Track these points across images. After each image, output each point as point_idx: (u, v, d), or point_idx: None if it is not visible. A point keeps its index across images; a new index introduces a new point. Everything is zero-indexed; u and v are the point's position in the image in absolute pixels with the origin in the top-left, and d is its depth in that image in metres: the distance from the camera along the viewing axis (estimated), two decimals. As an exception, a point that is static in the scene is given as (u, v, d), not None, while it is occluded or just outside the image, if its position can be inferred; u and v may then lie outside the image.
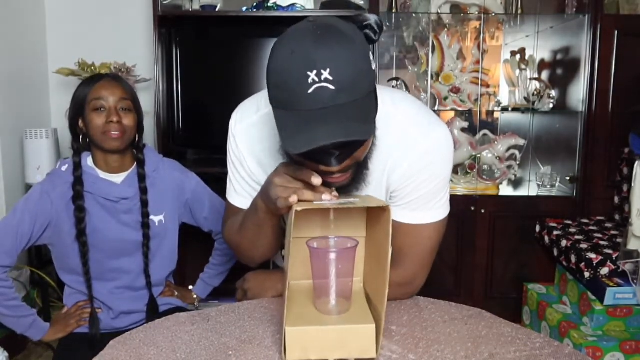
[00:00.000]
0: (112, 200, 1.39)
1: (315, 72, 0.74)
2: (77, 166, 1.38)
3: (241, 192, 1.12)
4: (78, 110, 1.38)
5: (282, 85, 0.77)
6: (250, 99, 1.11)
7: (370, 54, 0.81)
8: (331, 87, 0.75)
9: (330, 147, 0.80)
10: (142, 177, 1.43)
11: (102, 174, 1.41)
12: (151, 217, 1.44)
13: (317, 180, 0.83)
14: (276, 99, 0.80)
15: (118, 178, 1.42)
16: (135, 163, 1.44)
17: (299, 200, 0.84)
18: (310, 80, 0.75)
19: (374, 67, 0.81)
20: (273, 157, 1.03)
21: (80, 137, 1.41)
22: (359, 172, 0.93)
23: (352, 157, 0.86)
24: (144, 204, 1.42)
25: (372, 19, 0.88)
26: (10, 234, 1.32)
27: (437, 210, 1.04)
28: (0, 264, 1.31)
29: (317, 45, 0.75)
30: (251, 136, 1.07)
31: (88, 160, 1.41)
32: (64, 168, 1.40)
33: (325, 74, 0.74)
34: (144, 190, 1.42)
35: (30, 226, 1.33)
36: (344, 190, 0.93)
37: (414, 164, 0.99)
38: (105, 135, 1.35)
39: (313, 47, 0.75)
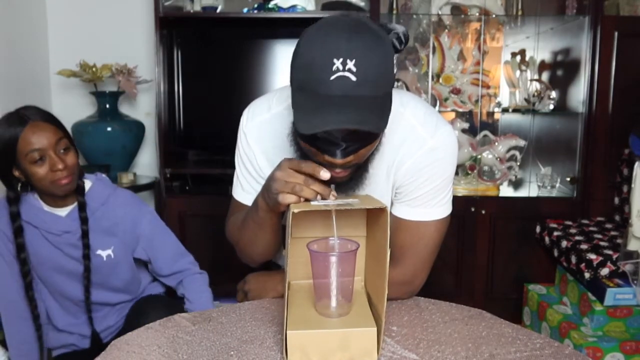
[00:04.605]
0: (55, 234, 1.33)
1: (341, 60, 0.77)
2: (15, 217, 1.30)
3: (248, 189, 1.13)
4: (8, 160, 1.24)
5: (306, 68, 0.79)
6: (261, 97, 1.13)
7: (394, 58, 0.83)
8: (353, 77, 0.77)
9: (340, 138, 0.82)
10: (82, 206, 1.33)
11: (47, 207, 1.34)
12: (99, 251, 1.37)
13: (325, 174, 0.83)
14: (298, 81, 0.81)
15: (62, 211, 1.35)
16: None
17: (298, 197, 0.84)
18: (334, 68, 0.77)
19: (395, 71, 0.83)
20: (283, 155, 1.03)
21: (19, 184, 1.30)
22: (357, 173, 0.95)
23: (356, 155, 0.87)
24: (84, 234, 1.33)
25: (400, 29, 0.90)
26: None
27: (440, 208, 1.05)
28: None
29: (350, 37, 0.77)
30: (263, 133, 1.08)
31: (34, 194, 1.34)
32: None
33: (350, 65, 0.77)
34: (84, 220, 1.33)
35: None
36: (343, 187, 0.94)
37: (420, 161, 1.01)
38: (54, 184, 1.26)
39: (345, 37, 0.77)
